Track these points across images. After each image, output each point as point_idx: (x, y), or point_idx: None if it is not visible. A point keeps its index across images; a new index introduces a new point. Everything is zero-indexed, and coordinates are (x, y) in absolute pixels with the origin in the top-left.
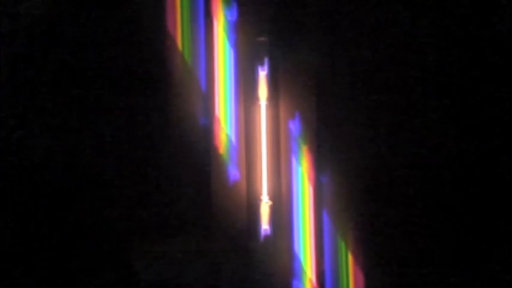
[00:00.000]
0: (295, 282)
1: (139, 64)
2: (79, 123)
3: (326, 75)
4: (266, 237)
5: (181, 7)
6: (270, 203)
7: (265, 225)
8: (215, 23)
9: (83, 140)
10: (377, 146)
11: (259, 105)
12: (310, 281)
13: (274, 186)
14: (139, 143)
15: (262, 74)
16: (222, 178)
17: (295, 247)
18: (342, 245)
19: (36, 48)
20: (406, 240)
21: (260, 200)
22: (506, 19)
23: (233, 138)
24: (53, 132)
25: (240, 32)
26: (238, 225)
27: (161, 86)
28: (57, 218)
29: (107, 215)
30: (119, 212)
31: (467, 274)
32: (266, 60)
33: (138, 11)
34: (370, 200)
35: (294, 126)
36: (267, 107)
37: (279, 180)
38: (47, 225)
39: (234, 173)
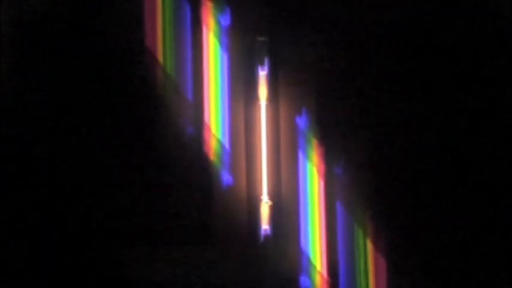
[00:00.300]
0: (302, 278)
1: (120, 77)
2: (72, 131)
3: (326, 74)
4: (266, 237)
5: (164, 17)
6: (270, 203)
7: (265, 225)
8: (204, 30)
9: (79, 145)
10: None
11: (259, 105)
12: (321, 274)
13: (274, 186)
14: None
15: (262, 74)
16: (219, 182)
17: (302, 243)
18: (359, 235)
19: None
20: (427, 228)
21: (260, 200)
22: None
23: (226, 143)
24: (44, 136)
25: (240, 32)
26: (238, 225)
27: (144, 96)
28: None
29: (107, 218)
30: (118, 215)
31: (491, 264)
32: (266, 60)
33: (116, 22)
34: (386, 189)
35: (301, 122)
36: (267, 107)
37: (279, 180)
38: (41, 231)
39: (227, 177)
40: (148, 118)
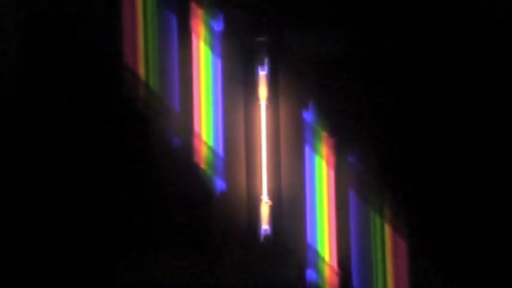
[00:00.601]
0: (309, 273)
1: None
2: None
3: (327, 73)
4: (266, 237)
5: (145, 31)
6: (270, 203)
7: (265, 225)
8: (194, 38)
9: (72, 156)
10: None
11: (259, 105)
12: (331, 267)
13: (274, 186)
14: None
15: (262, 74)
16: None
17: (309, 238)
18: (376, 222)
19: None
20: (447, 212)
21: (260, 200)
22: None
23: (220, 150)
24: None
25: (239, 32)
26: (238, 226)
27: (127, 111)
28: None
29: (101, 226)
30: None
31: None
32: (266, 60)
33: (92, 39)
34: (403, 174)
35: (307, 116)
36: (267, 107)
37: (279, 180)
38: (34, 239)
39: (221, 183)
40: (134, 131)
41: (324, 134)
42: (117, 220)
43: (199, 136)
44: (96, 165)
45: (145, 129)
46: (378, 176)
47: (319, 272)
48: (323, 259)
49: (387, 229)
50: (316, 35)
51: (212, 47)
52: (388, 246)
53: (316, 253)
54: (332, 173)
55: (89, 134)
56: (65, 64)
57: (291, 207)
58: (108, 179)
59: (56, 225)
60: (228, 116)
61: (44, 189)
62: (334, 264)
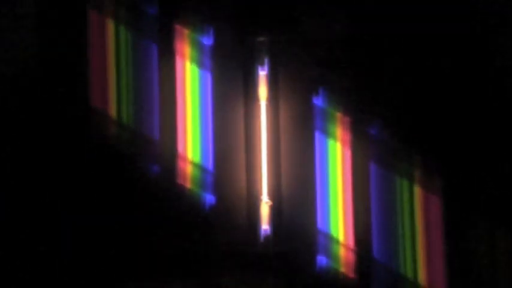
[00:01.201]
0: (319, 258)
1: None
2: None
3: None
4: (266, 237)
5: (118, 69)
6: (270, 203)
7: (265, 225)
8: (178, 60)
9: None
10: None
11: (259, 105)
12: (347, 247)
13: (274, 186)
14: None
15: (262, 74)
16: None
17: (319, 223)
18: (402, 191)
19: None
20: (479, 167)
21: (260, 200)
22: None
23: (209, 165)
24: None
25: (240, 32)
26: (238, 226)
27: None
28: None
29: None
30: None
31: None
32: (266, 60)
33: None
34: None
35: (318, 101)
36: (267, 107)
37: (279, 180)
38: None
39: (210, 198)
40: (110, 167)
41: (338, 115)
42: (111, 249)
43: (185, 157)
44: (80, 206)
45: (121, 163)
46: (404, 139)
47: (332, 255)
48: (337, 241)
49: (417, 191)
50: (316, 34)
51: (201, 63)
52: (418, 210)
53: (328, 237)
54: (348, 152)
55: (64, 175)
56: (29, 113)
57: (297, 200)
58: (96, 216)
59: (47, 253)
60: (228, 116)
61: (32, 225)
62: (351, 243)
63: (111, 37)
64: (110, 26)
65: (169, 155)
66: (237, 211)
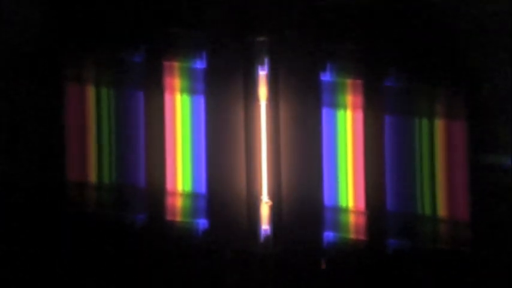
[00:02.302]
0: (326, 235)
1: None
2: None
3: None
4: (266, 237)
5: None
6: (270, 203)
7: (265, 225)
8: (167, 97)
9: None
10: None
11: (259, 105)
12: (359, 212)
13: (274, 186)
14: None
15: (262, 74)
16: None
17: (326, 199)
18: (421, 136)
19: None
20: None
21: (260, 200)
22: None
23: (202, 190)
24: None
25: (240, 32)
26: (238, 226)
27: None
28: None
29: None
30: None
31: None
32: (266, 60)
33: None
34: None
35: (326, 77)
36: (267, 107)
37: (279, 180)
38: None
39: (203, 222)
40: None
41: (348, 82)
42: None
43: (174, 192)
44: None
45: (107, 222)
46: (423, 78)
47: (340, 227)
48: (346, 210)
49: (439, 126)
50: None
51: (193, 90)
52: (440, 144)
53: (336, 210)
54: (360, 116)
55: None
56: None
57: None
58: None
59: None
60: (228, 116)
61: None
62: (361, 207)
63: (91, 103)
64: (90, 92)
65: (158, 200)
66: (237, 211)
